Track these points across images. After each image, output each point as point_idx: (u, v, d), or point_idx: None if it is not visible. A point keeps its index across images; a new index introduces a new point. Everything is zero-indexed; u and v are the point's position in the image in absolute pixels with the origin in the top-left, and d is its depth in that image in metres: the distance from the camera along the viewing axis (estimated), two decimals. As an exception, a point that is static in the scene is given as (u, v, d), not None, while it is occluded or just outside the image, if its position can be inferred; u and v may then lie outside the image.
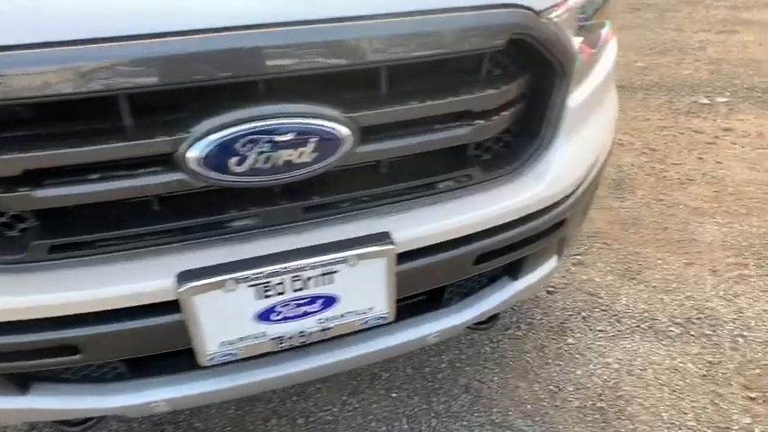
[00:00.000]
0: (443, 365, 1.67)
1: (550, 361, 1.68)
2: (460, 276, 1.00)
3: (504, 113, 0.93)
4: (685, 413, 1.53)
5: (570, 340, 1.75)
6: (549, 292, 1.95)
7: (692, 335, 1.77)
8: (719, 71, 3.81)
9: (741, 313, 1.85)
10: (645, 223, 2.30)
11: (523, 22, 0.86)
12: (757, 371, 1.64)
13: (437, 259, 0.92)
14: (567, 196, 1.06)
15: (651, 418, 1.52)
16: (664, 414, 1.53)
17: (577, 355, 1.70)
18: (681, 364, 1.67)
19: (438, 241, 0.92)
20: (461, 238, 0.94)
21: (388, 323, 0.94)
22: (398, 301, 1.01)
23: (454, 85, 0.87)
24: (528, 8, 0.87)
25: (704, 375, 1.63)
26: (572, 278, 2.01)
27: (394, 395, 1.59)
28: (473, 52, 0.83)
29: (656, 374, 1.64)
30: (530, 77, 0.95)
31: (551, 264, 1.19)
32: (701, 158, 2.80)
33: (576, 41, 1.06)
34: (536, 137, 0.99)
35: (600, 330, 1.79)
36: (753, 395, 1.57)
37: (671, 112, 3.28)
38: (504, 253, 1.01)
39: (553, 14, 0.95)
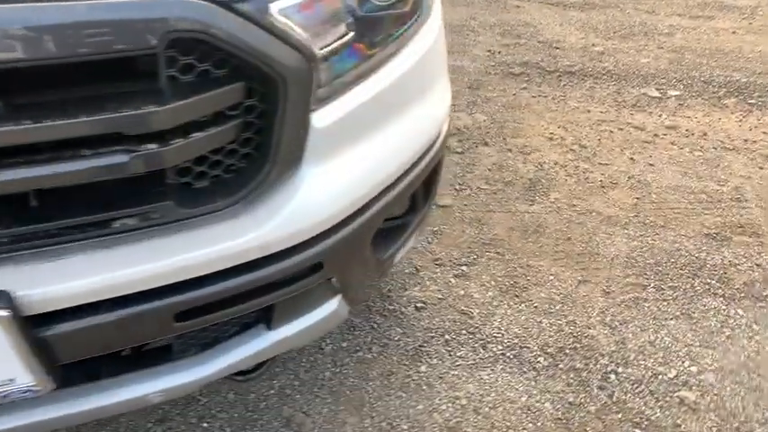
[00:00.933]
0: (272, 392, 1.50)
1: (393, 392, 1.51)
2: (160, 335, 0.81)
3: (197, 136, 0.71)
4: (525, 463, 1.37)
5: (423, 368, 1.58)
6: (417, 307, 1.76)
7: (561, 368, 1.59)
8: (680, 61, 3.54)
9: (623, 344, 1.67)
10: (548, 232, 2.10)
11: (193, 18, 0.63)
12: (619, 415, 1.47)
13: (106, 319, 0.73)
14: (322, 235, 0.85)
15: (486, 466, 1.36)
16: (501, 462, 1.37)
17: (425, 386, 1.53)
18: (537, 404, 1.50)
19: (104, 297, 0.72)
20: (147, 291, 0.74)
21: (52, 390, 0.75)
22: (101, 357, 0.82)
23: (108, 98, 0.66)
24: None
25: (559, 419, 1.46)
26: (449, 292, 1.82)
27: (205, 425, 1.42)
28: (108, 56, 0.61)
29: (505, 414, 1.47)
30: (242, 89, 0.73)
31: (330, 307, 0.99)
32: (632, 159, 2.57)
33: (344, 39, 0.83)
34: (261, 166, 0.77)
35: (460, 357, 1.61)
36: (605, 445, 1.41)
37: (615, 105, 3.03)
38: (226, 306, 0.82)
39: (275, 6, 0.72)
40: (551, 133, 2.77)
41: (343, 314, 1.05)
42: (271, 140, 0.76)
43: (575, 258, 1.98)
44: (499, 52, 3.62)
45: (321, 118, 0.81)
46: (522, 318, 1.74)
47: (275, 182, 0.79)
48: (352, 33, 0.84)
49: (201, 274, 0.77)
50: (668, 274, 1.92)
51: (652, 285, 1.87)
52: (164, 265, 0.74)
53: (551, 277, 1.90)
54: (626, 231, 2.11)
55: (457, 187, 2.33)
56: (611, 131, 2.80)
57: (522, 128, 2.81)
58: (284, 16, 0.73)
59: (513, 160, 2.54)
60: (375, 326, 1.70)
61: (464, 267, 1.92)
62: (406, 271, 1.89)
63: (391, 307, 1.76)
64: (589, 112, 2.98)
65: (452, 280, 1.87)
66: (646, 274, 1.92)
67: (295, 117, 0.76)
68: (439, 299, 1.80)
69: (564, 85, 3.26)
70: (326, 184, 0.83)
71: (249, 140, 0.78)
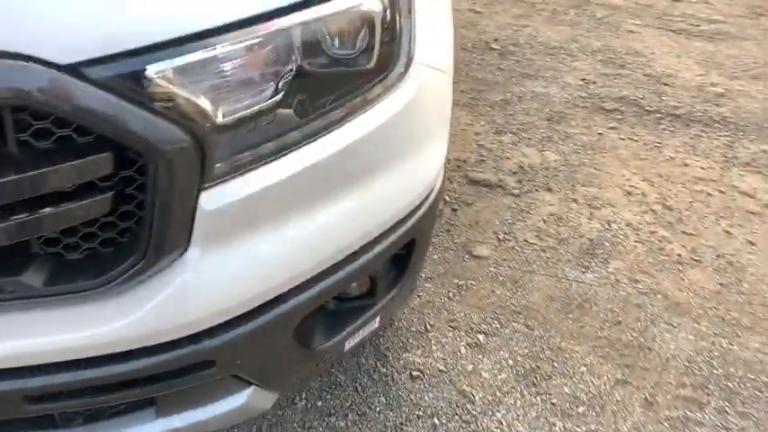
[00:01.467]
0: (228, 443, 1.40)
1: (355, 475, 1.34)
2: (13, 415, 0.71)
3: (45, 212, 0.60)
4: None
5: (397, 453, 1.39)
6: (411, 376, 1.56)
7: (563, 491, 1.32)
8: (823, 114, 2.91)
9: (652, 477, 1.35)
10: (595, 310, 1.78)
11: (9, 87, 0.52)
12: None
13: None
14: (212, 330, 0.71)
15: None
16: None
17: (393, 477, 1.34)
18: None
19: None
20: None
21: None
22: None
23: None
24: (35, 59, 0.52)
25: None
26: (454, 364, 1.59)
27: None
28: None
29: None
30: (110, 160, 0.60)
31: (238, 399, 0.84)
32: (728, 233, 2.13)
33: (263, 104, 0.68)
34: (136, 246, 0.65)
35: (444, 449, 1.40)
36: None
37: (723, 161, 2.55)
38: (89, 395, 0.70)
39: (155, 68, 0.59)
40: (632, 186, 2.38)
41: (265, 404, 0.90)
42: (143, 224, 0.63)
43: (619, 350, 1.65)
44: (594, 82, 3.22)
45: (216, 198, 0.66)
46: (533, 414, 1.47)
47: (151, 265, 0.66)
48: (279, 96, 0.68)
49: (53, 361, 0.67)
50: (740, 395, 1.53)
51: (713, 405, 1.50)
52: (7, 348, 0.65)
53: (584, 369, 1.60)
54: (695, 326, 1.73)
55: (500, 236, 2.07)
56: (710, 194, 2.35)
57: (598, 175, 2.45)
58: (168, 79, 0.59)
59: (577, 213, 2.21)
60: (359, 389, 1.52)
61: (481, 336, 1.68)
62: (413, 329, 1.69)
63: (383, 369, 1.57)
64: (686, 165, 2.54)
65: (463, 349, 1.64)
66: (708, 387, 1.55)
67: (174, 197, 0.63)
68: (440, 370, 1.58)
69: (663, 129, 2.82)
70: (221, 273, 0.69)
71: (127, 214, 0.66)
